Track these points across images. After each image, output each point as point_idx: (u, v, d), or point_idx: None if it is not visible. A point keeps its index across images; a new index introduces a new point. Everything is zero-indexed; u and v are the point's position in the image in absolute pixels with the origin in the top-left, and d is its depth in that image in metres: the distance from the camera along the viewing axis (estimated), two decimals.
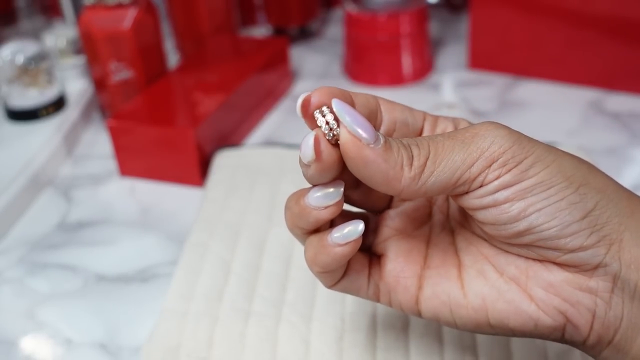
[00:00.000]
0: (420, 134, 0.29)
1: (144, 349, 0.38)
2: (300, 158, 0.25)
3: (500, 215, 0.25)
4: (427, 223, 0.30)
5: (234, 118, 0.58)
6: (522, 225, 0.25)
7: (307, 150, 0.25)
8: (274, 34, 0.79)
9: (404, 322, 0.38)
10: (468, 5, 0.67)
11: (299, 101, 0.25)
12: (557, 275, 0.26)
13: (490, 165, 0.25)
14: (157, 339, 0.38)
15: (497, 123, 0.26)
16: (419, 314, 0.28)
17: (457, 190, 0.25)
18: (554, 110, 0.62)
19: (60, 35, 0.70)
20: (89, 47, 0.58)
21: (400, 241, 0.29)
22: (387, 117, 0.28)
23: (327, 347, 0.37)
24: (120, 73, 0.59)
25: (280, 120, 0.63)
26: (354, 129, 0.24)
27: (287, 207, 0.27)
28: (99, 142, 0.62)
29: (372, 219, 0.31)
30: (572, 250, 0.25)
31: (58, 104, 0.62)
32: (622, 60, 0.61)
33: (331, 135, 0.25)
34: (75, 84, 0.67)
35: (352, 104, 0.26)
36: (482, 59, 0.69)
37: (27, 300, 0.44)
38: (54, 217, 0.52)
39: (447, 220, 0.30)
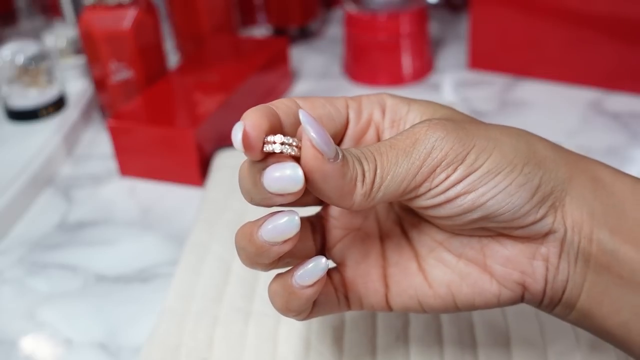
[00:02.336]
0: (346, 124, 0.28)
1: (144, 348, 0.38)
2: (258, 186, 0.24)
3: (453, 209, 0.25)
4: (372, 213, 0.30)
5: (234, 118, 0.58)
6: (476, 214, 0.25)
7: (292, 182, 0.23)
8: (274, 34, 0.79)
9: (404, 322, 0.38)
10: (468, 5, 0.67)
11: (238, 138, 0.23)
12: (511, 249, 0.27)
13: (435, 170, 0.25)
14: (157, 339, 0.38)
15: (433, 123, 0.25)
16: (389, 311, 0.29)
17: (406, 197, 0.25)
18: (554, 110, 0.62)
19: (60, 35, 0.70)
20: (89, 47, 0.58)
21: (355, 244, 0.29)
22: None
23: (327, 347, 0.37)
24: (120, 73, 0.59)
25: None
26: (318, 144, 0.23)
27: (241, 248, 0.26)
28: (99, 142, 0.62)
29: (316, 222, 0.30)
30: (525, 226, 0.26)
31: (58, 104, 0.62)
32: (622, 60, 0.61)
33: (292, 149, 0.24)
34: (75, 84, 0.67)
35: (277, 117, 0.25)
36: (482, 59, 0.69)
37: (27, 300, 0.44)
38: (54, 217, 0.53)
39: (390, 207, 0.30)
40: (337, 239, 0.29)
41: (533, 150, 0.26)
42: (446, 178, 0.25)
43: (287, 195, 0.24)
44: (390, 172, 0.25)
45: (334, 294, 0.28)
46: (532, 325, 0.37)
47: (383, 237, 0.29)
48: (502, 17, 0.65)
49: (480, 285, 0.27)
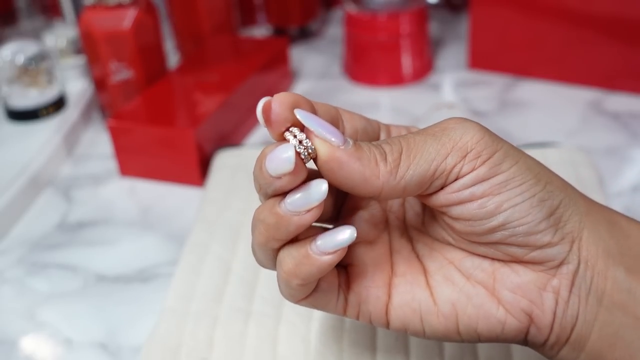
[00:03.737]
0: None
1: (144, 348, 0.38)
2: (262, 170, 0.24)
3: (477, 210, 0.25)
4: (385, 230, 0.30)
5: (234, 118, 0.58)
6: (497, 221, 0.25)
7: (284, 164, 0.24)
8: (274, 34, 0.79)
9: None
10: (468, 5, 0.67)
11: (260, 106, 0.25)
12: (523, 277, 0.26)
13: (465, 156, 0.25)
14: (157, 339, 0.38)
15: (464, 118, 0.26)
16: (386, 325, 0.28)
17: (434, 184, 0.25)
18: (554, 110, 0.62)
19: (60, 35, 0.70)
20: (89, 47, 0.58)
21: (366, 250, 0.29)
22: (348, 126, 0.28)
23: (327, 347, 0.37)
24: (120, 73, 0.59)
25: None
26: (322, 134, 0.24)
27: (260, 220, 0.25)
28: (99, 142, 0.62)
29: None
30: (541, 247, 0.25)
31: (58, 104, 0.62)
32: (622, 60, 0.61)
33: (306, 153, 0.24)
34: (75, 84, 0.67)
35: (314, 112, 0.26)
36: (482, 59, 0.69)
37: (27, 300, 0.44)
38: (54, 217, 0.53)
39: (404, 227, 0.30)
40: (350, 246, 0.29)
41: (554, 175, 0.27)
42: (473, 169, 0.25)
43: (283, 176, 0.24)
44: (418, 152, 0.25)
45: (336, 288, 0.28)
46: None
47: (394, 250, 0.29)
48: (502, 17, 0.65)
49: (486, 309, 0.26)
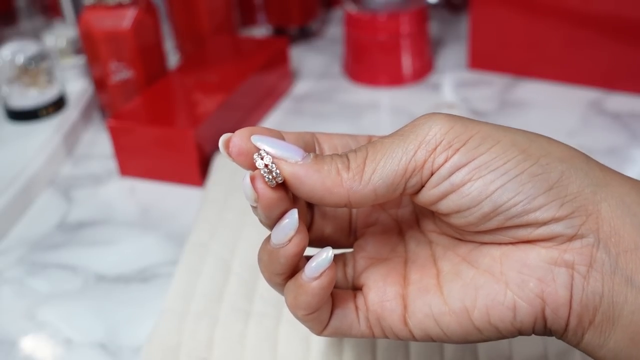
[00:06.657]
0: None
1: (144, 348, 0.38)
2: (244, 195, 0.25)
3: (461, 199, 0.24)
4: (400, 243, 0.29)
5: (234, 118, 0.58)
6: (486, 206, 0.24)
7: (248, 191, 0.25)
8: (274, 34, 0.79)
9: None
10: (468, 5, 0.67)
11: (221, 141, 0.25)
12: (530, 254, 0.24)
13: (434, 149, 0.24)
14: (157, 339, 0.38)
15: (434, 112, 0.25)
16: (411, 337, 0.27)
17: (410, 184, 0.25)
18: (554, 110, 0.62)
19: (60, 35, 0.70)
20: (89, 47, 0.58)
21: (377, 267, 0.28)
22: (326, 146, 0.28)
23: (327, 347, 0.37)
24: (120, 73, 0.59)
25: (280, 120, 0.63)
26: (278, 154, 0.25)
27: (259, 259, 0.27)
28: (99, 142, 0.62)
29: (346, 256, 0.30)
30: (545, 223, 0.24)
31: (58, 104, 0.62)
32: (622, 60, 0.61)
33: (270, 177, 0.24)
34: (75, 84, 0.67)
35: (279, 135, 0.26)
36: (482, 59, 0.69)
37: (27, 300, 0.44)
38: (54, 217, 0.53)
39: (421, 234, 0.29)
40: (363, 268, 0.29)
41: (556, 146, 0.25)
42: (446, 160, 0.24)
43: (256, 203, 0.25)
44: (384, 155, 0.24)
45: (353, 311, 0.28)
46: None
47: (408, 261, 0.28)
48: (502, 17, 0.65)
49: (493, 297, 0.25)
